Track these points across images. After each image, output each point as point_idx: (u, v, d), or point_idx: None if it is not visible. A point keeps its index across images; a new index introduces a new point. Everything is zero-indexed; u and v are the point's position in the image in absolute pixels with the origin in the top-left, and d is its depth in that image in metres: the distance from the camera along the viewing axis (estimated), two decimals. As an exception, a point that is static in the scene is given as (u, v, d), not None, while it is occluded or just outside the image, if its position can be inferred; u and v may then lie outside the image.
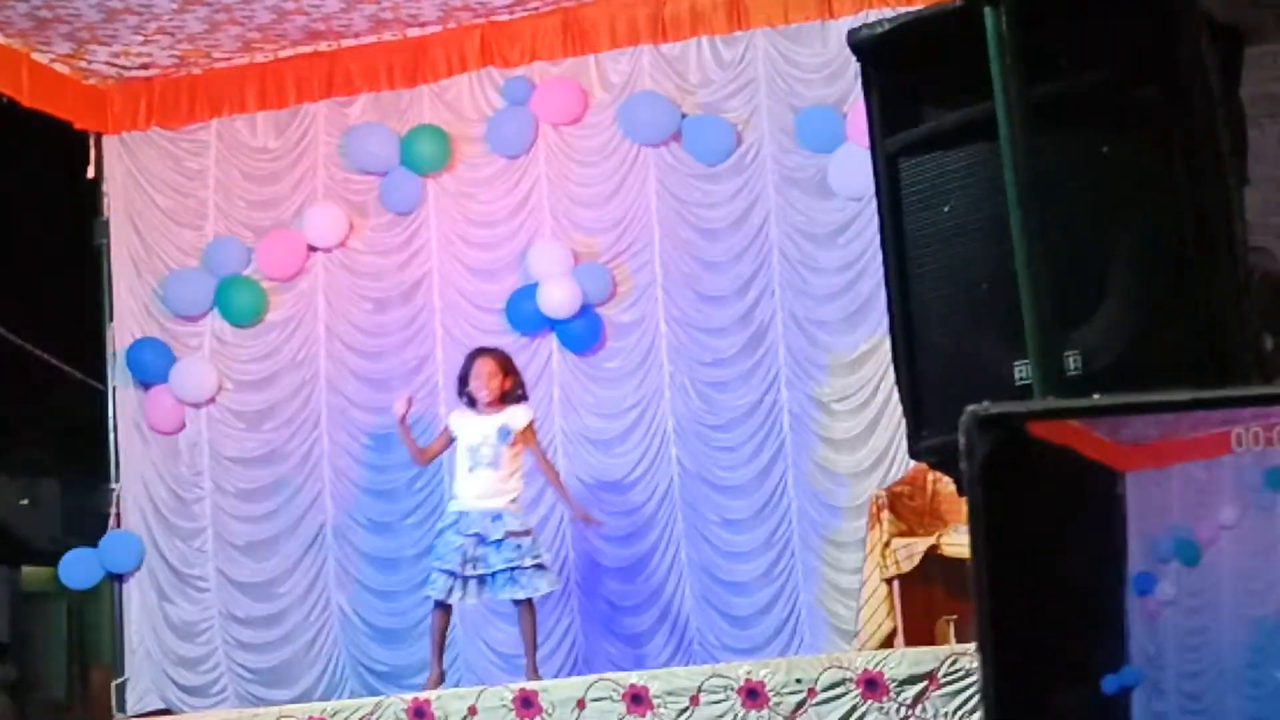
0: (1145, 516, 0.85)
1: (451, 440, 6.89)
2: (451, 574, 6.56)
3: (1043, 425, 0.85)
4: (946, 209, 2.80)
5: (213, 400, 8.27)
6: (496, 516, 6.62)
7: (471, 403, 6.85)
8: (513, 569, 6.55)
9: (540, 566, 6.65)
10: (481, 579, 6.57)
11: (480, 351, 7.00)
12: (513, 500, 6.73)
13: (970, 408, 0.86)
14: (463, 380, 6.89)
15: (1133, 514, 0.85)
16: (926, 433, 2.88)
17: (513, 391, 6.84)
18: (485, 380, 6.77)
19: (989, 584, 0.84)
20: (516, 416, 6.78)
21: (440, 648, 6.78)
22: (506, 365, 6.88)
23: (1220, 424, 0.86)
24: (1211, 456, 0.86)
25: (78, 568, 8.31)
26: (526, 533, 6.69)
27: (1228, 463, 0.86)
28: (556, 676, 7.11)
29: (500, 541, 6.57)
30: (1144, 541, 0.85)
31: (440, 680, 6.73)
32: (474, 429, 6.77)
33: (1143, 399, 0.86)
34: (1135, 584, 0.85)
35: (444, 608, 6.71)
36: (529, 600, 6.69)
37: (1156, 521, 0.85)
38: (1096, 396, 0.87)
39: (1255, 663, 0.86)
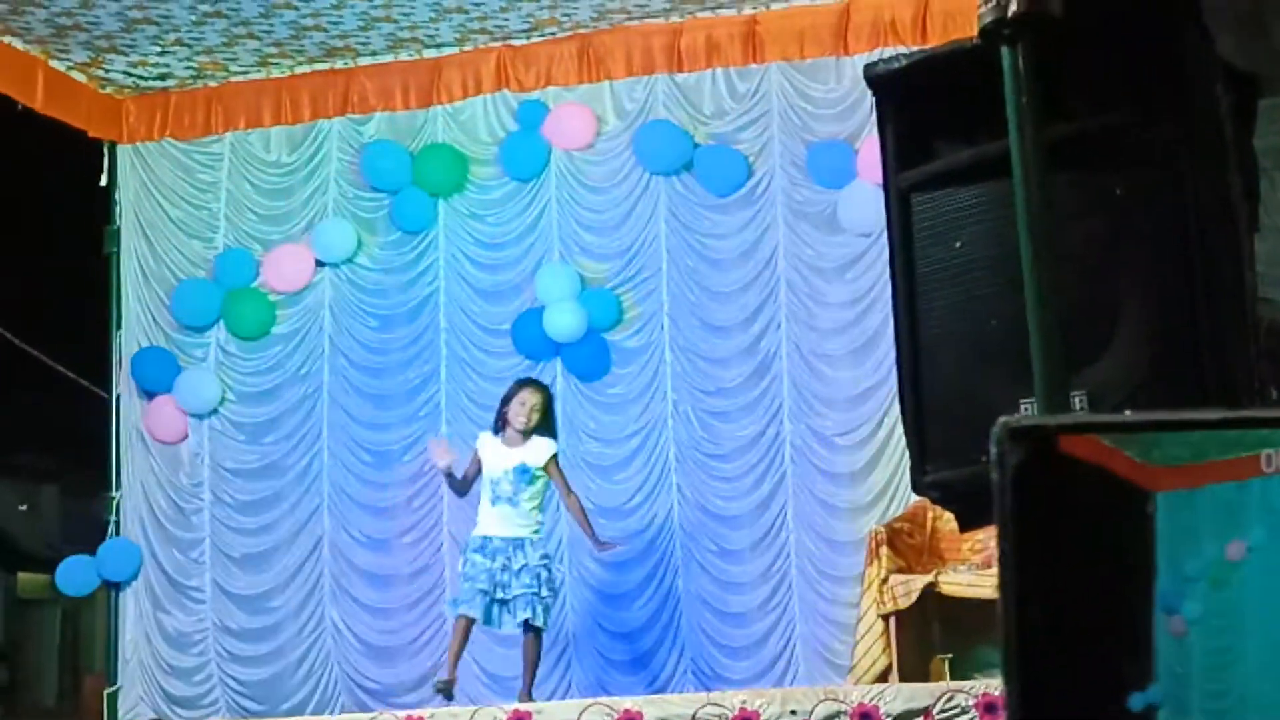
0: (1175, 535, 0.86)
1: (479, 463, 6.91)
2: (486, 594, 6.64)
3: (1073, 440, 0.86)
4: (958, 245, 2.81)
5: (215, 411, 8.29)
6: (520, 545, 6.71)
7: (500, 428, 6.86)
8: (532, 595, 6.61)
9: (555, 595, 6.75)
10: (502, 604, 6.64)
11: (528, 381, 7.04)
12: (534, 532, 6.79)
13: (1003, 418, 0.86)
14: (504, 403, 6.90)
15: (1162, 533, 0.86)
16: (930, 467, 2.87)
17: (540, 428, 6.85)
18: (526, 411, 6.80)
19: (1016, 595, 0.85)
20: (536, 453, 6.80)
21: (458, 655, 6.79)
22: (548, 403, 6.91)
23: (1251, 446, 0.87)
24: (1242, 478, 0.86)
25: (75, 575, 8.31)
26: (545, 566, 6.76)
27: (1257, 485, 0.87)
28: (550, 700, 7.11)
29: (521, 570, 6.65)
30: (1173, 561, 0.86)
31: (453, 683, 6.74)
32: (496, 461, 6.82)
33: (1174, 417, 0.87)
34: (1163, 602, 0.86)
35: (469, 621, 6.74)
36: (536, 628, 6.72)
37: (1186, 541, 0.86)
38: (1128, 413, 0.88)
39: None
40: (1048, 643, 0.85)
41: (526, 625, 6.71)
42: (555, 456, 6.88)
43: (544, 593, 6.69)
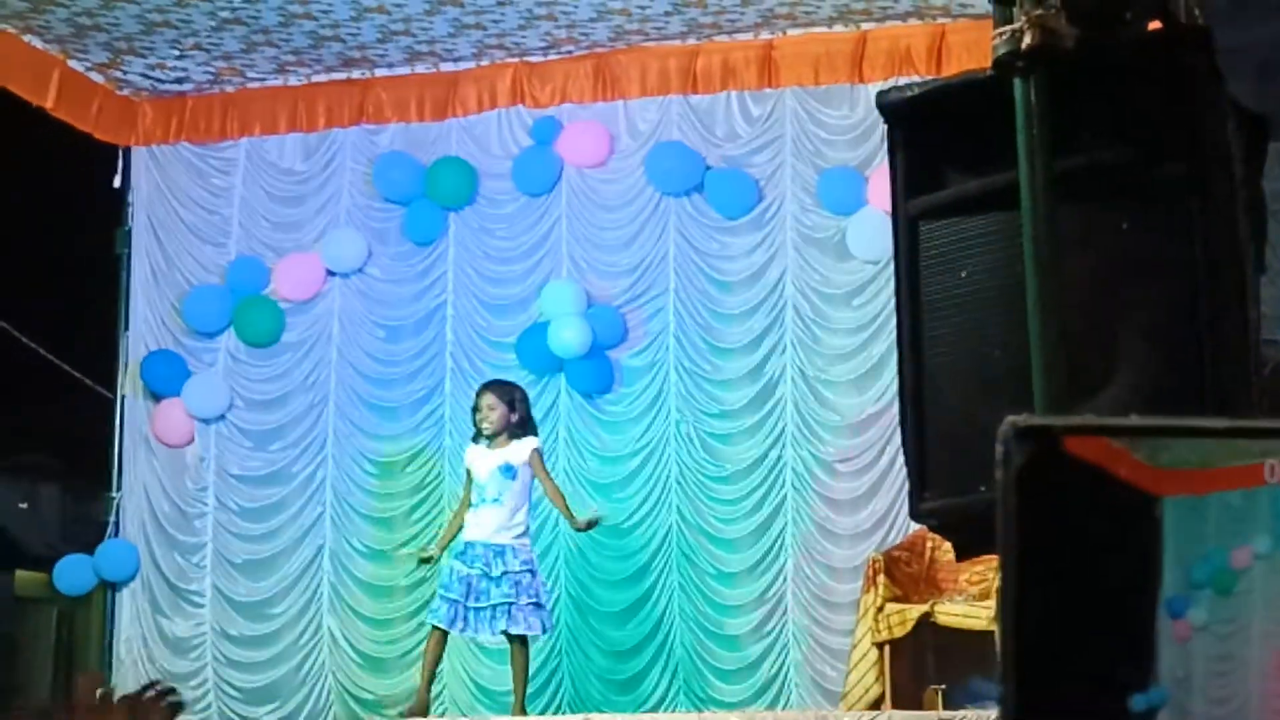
0: (1181, 541, 0.87)
1: (465, 495, 6.98)
2: (455, 603, 6.63)
3: (1079, 441, 0.87)
4: (964, 274, 2.82)
5: (223, 417, 8.30)
6: (500, 552, 6.69)
7: (480, 436, 6.93)
8: (509, 604, 6.61)
9: (537, 605, 6.71)
10: (479, 611, 6.63)
11: (485, 385, 7.10)
12: (519, 535, 6.78)
13: (1010, 417, 0.88)
14: (473, 414, 6.98)
15: (1168, 537, 0.87)
16: (929, 495, 2.88)
17: (519, 425, 6.89)
18: (486, 412, 6.86)
19: (1015, 594, 0.86)
20: (518, 452, 6.84)
21: (431, 675, 6.81)
22: (509, 398, 6.93)
23: (1256, 455, 0.88)
24: (1245, 486, 0.88)
25: (73, 574, 8.30)
26: (529, 572, 6.75)
27: (1264, 494, 0.88)
28: (542, 715, 7.11)
29: (501, 577, 6.63)
30: (1179, 565, 0.87)
31: (426, 709, 6.74)
32: (482, 464, 6.86)
33: (1179, 423, 0.88)
34: (1168, 606, 0.87)
35: (441, 633, 6.75)
36: (523, 638, 6.73)
37: (1192, 546, 0.87)
38: (1134, 416, 0.89)
39: None
40: (1046, 641, 0.86)
41: (513, 636, 6.72)
42: (538, 450, 6.90)
43: (523, 600, 6.67)
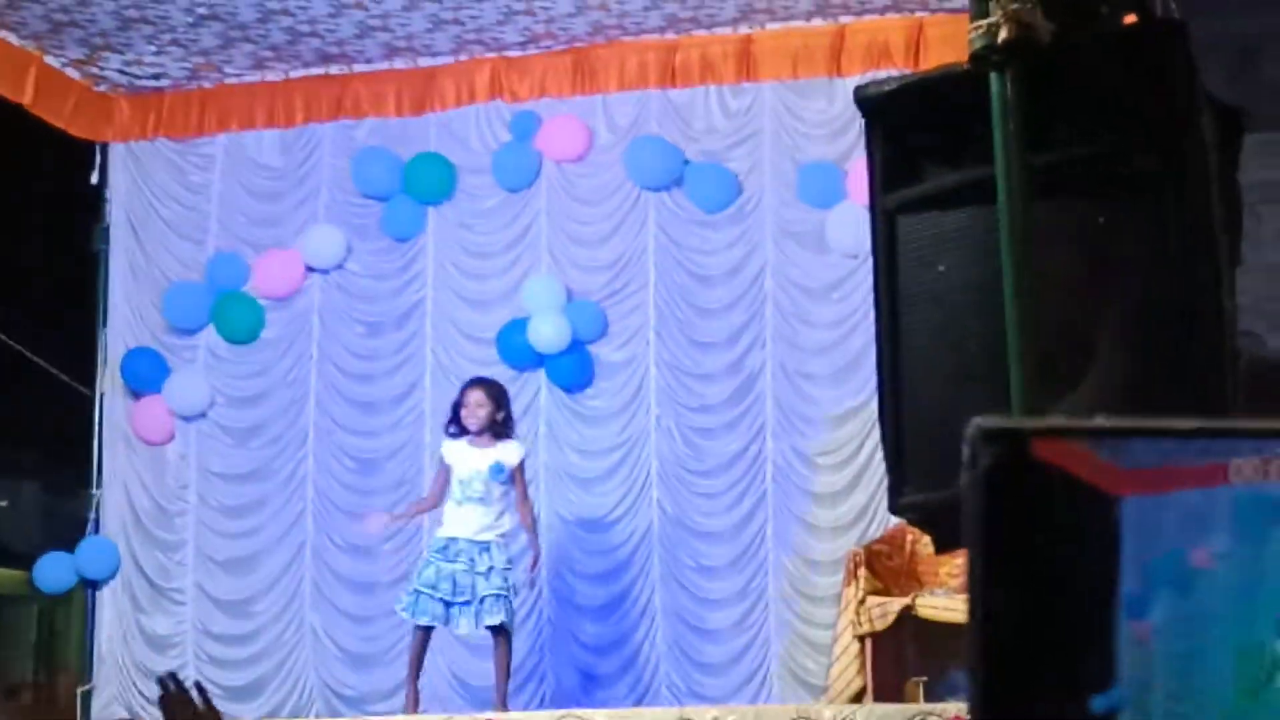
0: (1140, 541, 0.88)
1: (448, 472, 6.93)
2: (443, 602, 6.64)
3: (1046, 443, 0.87)
4: (941, 268, 2.83)
5: (203, 414, 8.28)
6: (485, 548, 6.74)
7: (461, 432, 6.91)
8: (500, 596, 6.64)
9: (509, 599, 6.74)
10: (464, 605, 6.65)
11: (473, 381, 7.09)
12: (501, 535, 6.82)
13: (976, 419, 0.88)
14: (455, 409, 6.96)
15: (1127, 537, 0.88)
16: (907, 489, 2.89)
17: (503, 425, 6.90)
18: (474, 409, 6.85)
19: (982, 594, 0.86)
20: (510, 454, 6.84)
21: (417, 671, 6.82)
22: (497, 397, 6.94)
23: (1220, 455, 0.89)
24: (1208, 485, 0.88)
25: (52, 572, 8.28)
26: (509, 567, 6.80)
27: (1224, 493, 0.88)
28: (523, 711, 7.11)
29: (489, 571, 6.68)
30: (1137, 565, 0.88)
31: (417, 703, 6.76)
32: (465, 462, 6.85)
33: (1147, 424, 0.89)
34: (1127, 607, 0.87)
35: (425, 631, 6.76)
36: (506, 633, 6.74)
37: (1151, 546, 0.88)
38: (1100, 418, 0.89)
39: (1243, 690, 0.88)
40: (1012, 644, 0.87)
41: (496, 630, 6.73)
42: (522, 460, 6.92)
43: (510, 594, 6.74)
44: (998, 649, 0.86)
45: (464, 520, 6.80)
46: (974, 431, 0.88)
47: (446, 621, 6.75)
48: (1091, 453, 0.88)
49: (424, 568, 6.84)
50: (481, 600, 6.68)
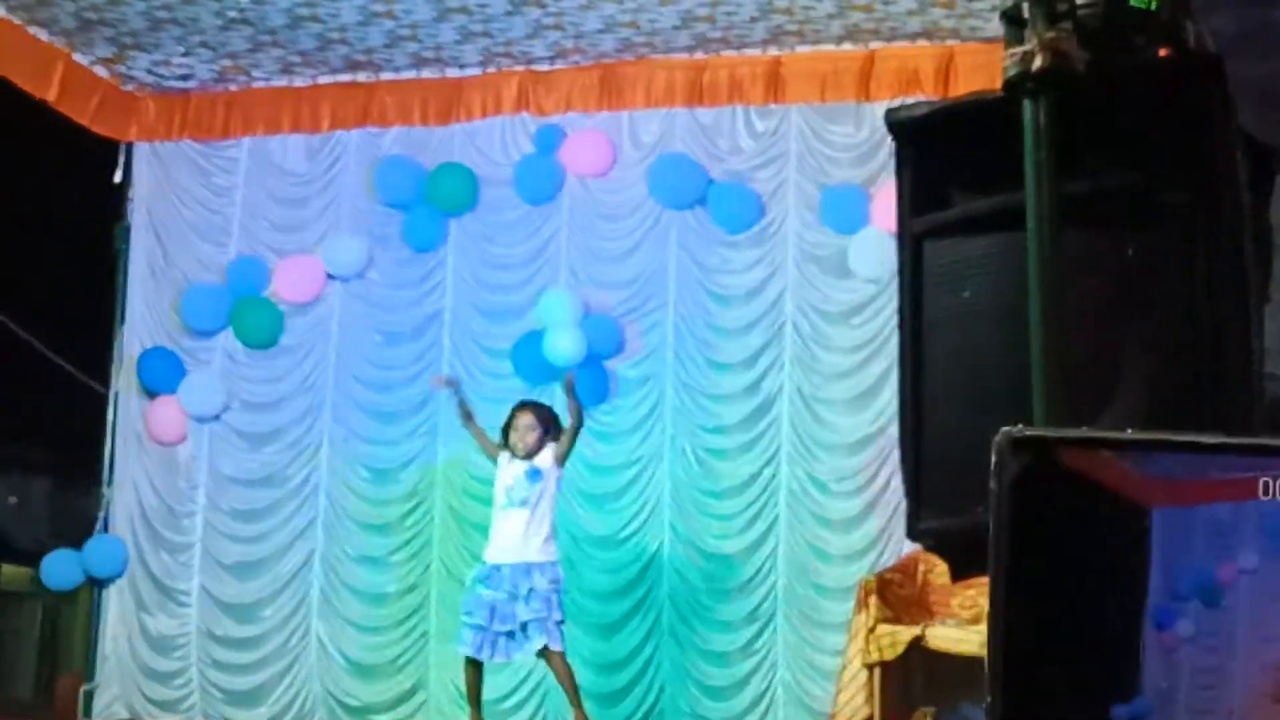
0: (1169, 553, 0.86)
1: (492, 446, 6.96)
2: (480, 629, 6.60)
3: (1075, 453, 0.86)
4: (966, 294, 2.81)
5: (218, 417, 8.28)
6: (527, 571, 6.67)
7: (512, 453, 6.89)
8: (541, 619, 6.61)
9: (560, 622, 6.68)
10: (511, 634, 6.60)
11: (523, 404, 7.04)
12: (545, 541, 6.75)
13: (1005, 428, 0.86)
14: (505, 431, 6.92)
15: (1156, 549, 0.86)
16: (926, 515, 2.87)
17: (550, 441, 6.89)
18: (524, 433, 6.84)
19: (1005, 601, 0.84)
20: (544, 457, 6.82)
21: (477, 700, 6.75)
22: (545, 420, 6.91)
23: (1248, 470, 0.87)
24: (1238, 500, 0.87)
25: (59, 569, 8.27)
26: (556, 591, 6.71)
27: (1252, 509, 0.87)
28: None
29: (529, 594, 6.63)
30: (1166, 578, 0.86)
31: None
32: (509, 470, 6.85)
33: (1172, 438, 0.87)
34: (1154, 618, 0.86)
35: (474, 664, 6.71)
36: (552, 652, 6.66)
37: (1179, 559, 0.86)
38: (1129, 431, 0.88)
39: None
40: (1034, 650, 0.85)
41: (540, 653, 6.68)
42: (558, 441, 6.89)
43: (555, 617, 6.66)
44: (1020, 656, 0.84)
45: (508, 533, 6.75)
46: (1002, 440, 0.86)
47: (479, 651, 6.64)
48: (1119, 462, 0.86)
49: (468, 597, 6.80)
50: (524, 626, 6.63)
